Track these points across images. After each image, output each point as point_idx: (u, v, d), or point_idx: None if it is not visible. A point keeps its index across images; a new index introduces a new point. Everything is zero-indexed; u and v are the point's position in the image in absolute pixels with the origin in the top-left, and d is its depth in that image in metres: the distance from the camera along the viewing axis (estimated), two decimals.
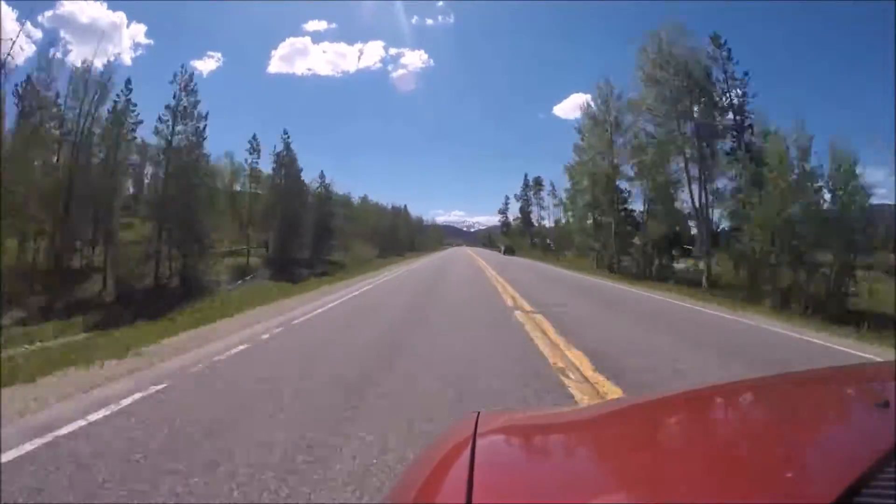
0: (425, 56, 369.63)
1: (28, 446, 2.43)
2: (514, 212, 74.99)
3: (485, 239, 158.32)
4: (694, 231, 21.90)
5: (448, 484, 0.62)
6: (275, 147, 36.60)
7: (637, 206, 24.05)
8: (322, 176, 43.03)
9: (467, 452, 0.65)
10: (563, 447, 0.79)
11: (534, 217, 62.53)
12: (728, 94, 20.71)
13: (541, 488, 0.57)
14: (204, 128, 22.67)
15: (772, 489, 0.51)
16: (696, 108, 19.87)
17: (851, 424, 0.70)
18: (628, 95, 22.28)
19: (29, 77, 22.44)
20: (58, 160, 22.29)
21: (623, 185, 23.96)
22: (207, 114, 23.28)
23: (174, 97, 22.66)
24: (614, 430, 0.83)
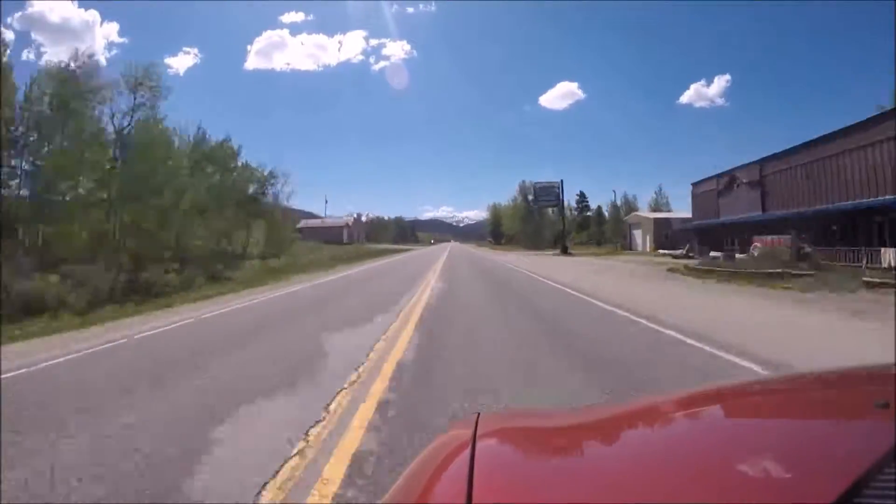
0: (408, 46, 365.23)
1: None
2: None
3: (489, 233, 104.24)
4: None
5: (448, 484, 0.62)
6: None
7: None
8: None
9: (467, 452, 0.66)
10: (562, 447, 0.79)
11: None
12: None
13: (541, 488, 0.57)
14: None
15: (772, 489, 0.51)
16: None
17: (851, 424, 0.70)
18: None
19: None
20: None
21: None
22: None
23: None
24: (614, 430, 0.83)
